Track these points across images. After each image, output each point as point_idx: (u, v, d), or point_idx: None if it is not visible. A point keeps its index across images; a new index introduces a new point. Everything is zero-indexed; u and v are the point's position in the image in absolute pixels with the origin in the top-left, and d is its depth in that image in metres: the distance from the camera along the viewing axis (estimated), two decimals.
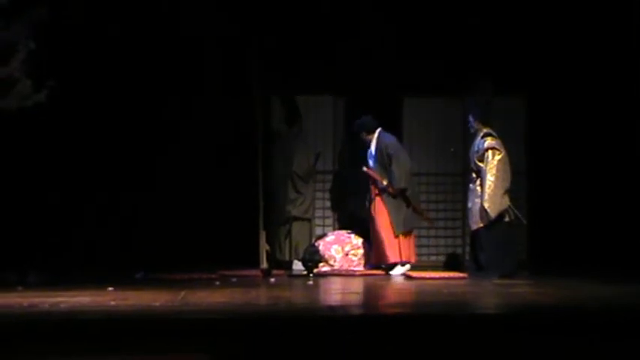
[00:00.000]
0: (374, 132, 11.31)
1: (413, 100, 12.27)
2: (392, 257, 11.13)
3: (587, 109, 11.73)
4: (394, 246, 11.10)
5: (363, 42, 12.03)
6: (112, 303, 7.51)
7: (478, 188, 10.60)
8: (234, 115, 11.97)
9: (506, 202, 10.53)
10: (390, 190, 11.13)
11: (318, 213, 12.40)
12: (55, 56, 10.54)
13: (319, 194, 12.40)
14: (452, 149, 11.72)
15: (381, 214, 11.20)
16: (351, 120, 12.16)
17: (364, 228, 11.70)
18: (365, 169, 11.28)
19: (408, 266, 11.11)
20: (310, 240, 11.82)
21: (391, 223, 11.12)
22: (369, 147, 11.37)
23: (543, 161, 11.92)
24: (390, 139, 11.31)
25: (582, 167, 11.72)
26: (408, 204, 11.16)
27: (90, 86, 11.44)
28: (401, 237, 11.12)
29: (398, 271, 11.04)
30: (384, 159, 11.17)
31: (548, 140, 11.94)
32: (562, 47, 11.82)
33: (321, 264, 11.27)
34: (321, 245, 11.43)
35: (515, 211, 10.61)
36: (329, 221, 12.42)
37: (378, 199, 11.24)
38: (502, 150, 10.59)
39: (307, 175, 11.97)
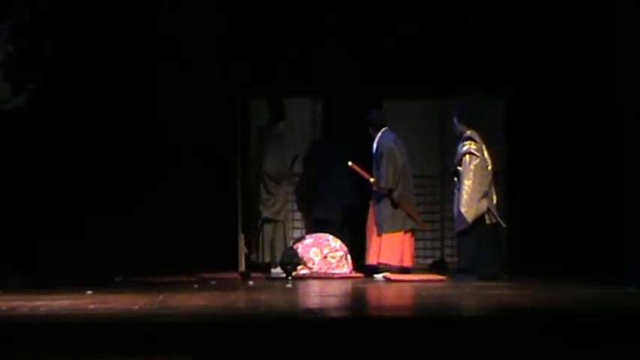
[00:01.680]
0: (379, 129, 11.28)
1: (391, 102, 12.28)
2: (370, 258, 11.14)
3: (567, 110, 11.78)
4: (375, 247, 11.09)
5: (342, 45, 12.06)
6: (92, 306, 7.51)
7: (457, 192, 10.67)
8: (215, 118, 11.97)
9: (483, 205, 10.57)
10: (376, 187, 11.14)
11: (297, 215, 12.46)
12: (34, 59, 10.52)
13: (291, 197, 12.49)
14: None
15: (371, 213, 11.23)
16: (330, 123, 12.24)
17: (336, 230, 11.72)
18: (350, 163, 11.25)
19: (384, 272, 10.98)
20: (285, 242, 11.79)
21: (376, 223, 11.13)
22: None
23: (522, 162, 11.95)
24: (388, 139, 11.17)
25: (562, 168, 11.77)
26: (396, 205, 11.13)
27: (70, 88, 11.41)
28: (385, 238, 11.03)
29: (380, 275, 10.96)
30: (379, 158, 11.12)
31: (527, 141, 11.97)
32: (541, 49, 11.86)
33: (299, 267, 11.28)
34: (300, 248, 11.42)
35: (495, 215, 10.66)
36: (304, 223, 12.49)
37: (372, 200, 11.28)
38: (480, 155, 10.64)
39: (279, 177, 11.88)
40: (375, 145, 11.18)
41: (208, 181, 11.72)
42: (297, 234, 12.27)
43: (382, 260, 11.00)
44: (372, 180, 11.16)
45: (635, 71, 10.38)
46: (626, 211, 10.47)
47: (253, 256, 11.86)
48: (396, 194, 11.03)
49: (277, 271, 11.48)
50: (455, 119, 10.94)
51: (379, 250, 11.00)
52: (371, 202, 11.28)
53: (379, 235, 11.03)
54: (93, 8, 11.32)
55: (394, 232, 11.03)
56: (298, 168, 12.33)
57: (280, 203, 11.81)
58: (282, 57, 12.09)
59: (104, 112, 11.60)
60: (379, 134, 11.19)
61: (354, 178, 11.68)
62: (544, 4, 11.71)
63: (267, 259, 11.68)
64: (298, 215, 12.45)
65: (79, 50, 11.39)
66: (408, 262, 11.13)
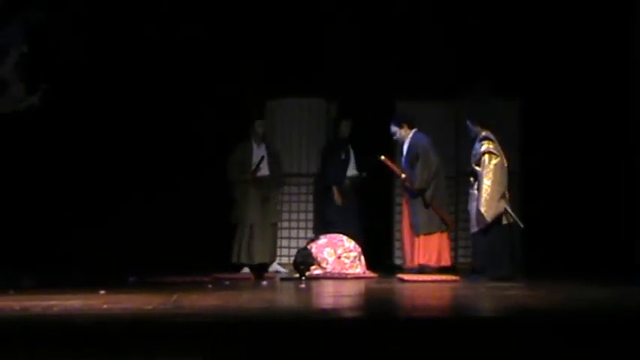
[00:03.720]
0: (411, 128, 11.22)
1: (404, 103, 12.28)
2: (408, 261, 11.13)
3: (581, 111, 11.76)
4: (413, 249, 11.06)
5: (355, 46, 12.06)
6: (105, 306, 7.49)
7: (476, 192, 10.60)
8: (227, 118, 11.98)
9: (502, 205, 10.50)
10: (407, 184, 11.11)
11: (303, 216, 12.58)
12: (48, 59, 10.53)
13: (296, 197, 12.57)
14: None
15: (405, 214, 11.20)
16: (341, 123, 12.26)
17: (348, 232, 11.70)
18: (383, 157, 11.23)
19: (431, 270, 10.98)
20: (239, 244, 11.76)
21: (411, 224, 11.10)
22: (401, 145, 11.33)
23: (537, 163, 11.92)
24: (422, 140, 11.17)
25: (575, 169, 11.75)
26: (427, 205, 11.05)
27: (83, 88, 11.44)
28: (422, 239, 11.01)
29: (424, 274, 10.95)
30: (413, 158, 11.10)
31: (541, 142, 11.95)
32: (555, 49, 11.86)
33: (313, 267, 11.25)
34: (314, 248, 11.40)
35: (513, 215, 10.60)
36: (303, 224, 12.66)
37: (404, 199, 11.25)
38: (499, 154, 10.58)
39: (236, 180, 11.82)
40: (406, 146, 11.16)
41: (223, 180, 11.73)
42: (292, 234, 12.52)
43: (422, 262, 10.97)
44: (403, 176, 11.16)
45: None
46: (638, 211, 10.42)
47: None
48: (428, 194, 10.98)
49: (245, 271, 11.57)
50: (468, 122, 10.88)
51: (418, 252, 10.96)
52: (404, 202, 11.28)
53: (417, 236, 10.99)
54: (106, 9, 11.34)
55: (431, 233, 11.01)
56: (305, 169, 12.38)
57: (240, 207, 11.72)
58: (295, 57, 12.10)
59: (116, 112, 11.63)
60: (410, 134, 11.16)
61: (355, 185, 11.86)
62: (558, 4, 11.69)
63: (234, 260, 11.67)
64: (294, 216, 12.59)
65: (91, 50, 11.42)
66: (445, 262, 11.11)
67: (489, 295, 8.95)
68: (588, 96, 11.72)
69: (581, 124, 11.75)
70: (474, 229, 10.67)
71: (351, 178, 12.14)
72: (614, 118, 11.43)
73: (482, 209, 10.43)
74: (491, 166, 10.51)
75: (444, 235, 11.13)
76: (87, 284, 9.32)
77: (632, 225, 10.87)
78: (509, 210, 10.58)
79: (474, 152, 10.69)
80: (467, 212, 11.01)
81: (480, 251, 10.67)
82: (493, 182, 10.47)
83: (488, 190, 10.46)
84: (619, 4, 11.30)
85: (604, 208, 11.51)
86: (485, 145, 10.59)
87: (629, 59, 10.67)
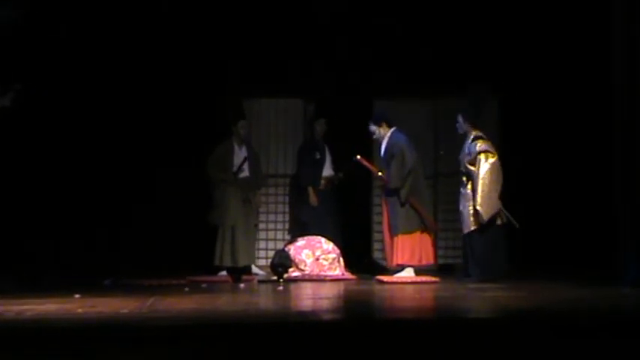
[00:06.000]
0: (389, 127, 11.13)
1: (382, 102, 12.24)
2: (389, 260, 11.04)
3: (561, 110, 11.76)
4: (392, 249, 10.96)
5: (333, 45, 12.04)
6: (80, 310, 7.43)
7: (469, 192, 10.50)
8: (206, 119, 11.93)
9: (498, 205, 10.43)
10: (384, 182, 11.06)
11: (280, 217, 12.57)
12: (21, 59, 10.44)
13: (272, 198, 12.59)
14: (441, 152, 11.77)
15: (384, 214, 11.14)
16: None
17: (324, 233, 11.66)
18: (358, 157, 11.17)
19: (410, 270, 10.87)
20: (222, 246, 11.66)
21: (389, 224, 11.04)
22: (379, 144, 11.25)
23: (516, 163, 11.87)
24: (401, 138, 11.05)
25: (556, 169, 11.74)
26: (403, 204, 10.94)
27: (57, 89, 11.33)
28: (401, 239, 10.87)
29: (404, 274, 10.85)
30: (390, 158, 10.99)
31: (521, 142, 11.92)
32: (534, 47, 11.85)
33: (291, 269, 11.18)
34: (292, 250, 11.34)
35: (508, 215, 10.52)
36: (280, 225, 12.67)
37: (383, 198, 11.22)
38: (495, 152, 10.51)
39: (214, 180, 11.75)
40: (384, 145, 11.08)
41: (200, 182, 11.65)
42: (268, 235, 12.51)
43: (400, 262, 10.86)
44: (379, 174, 11.10)
45: (626, 66, 10.31)
46: (620, 211, 10.39)
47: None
48: (403, 193, 10.90)
49: (222, 273, 11.47)
50: (460, 118, 10.77)
51: (396, 252, 10.88)
52: (383, 202, 11.23)
53: (395, 235, 10.91)
54: (81, 6, 11.26)
55: (409, 232, 10.89)
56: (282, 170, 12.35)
57: (217, 208, 11.65)
58: (273, 57, 12.07)
59: (92, 114, 11.55)
60: (389, 133, 11.10)
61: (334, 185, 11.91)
62: (535, 3, 11.69)
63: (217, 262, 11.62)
64: (284, 217, 12.58)
65: (66, 50, 11.33)
66: (428, 260, 10.99)
67: (470, 296, 8.94)
68: (569, 94, 11.70)
69: (561, 123, 11.74)
70: (468, 229, 10.55)
71: (327, 178, 12.06)
72: (595, 116, 11.38)
73: (480, 208, 10.32)
74: (489, 165, 10.42)
75: (426, 234, 11.00)
76: (62, 288, 9.24)
77: (613, 224, 10.83)
78: (504, 210, 10.49)
79: (466, 151, 10.58)
80: (450, 212, 10.94)
81: (475, 252, 10.50)
82: (490, 181, 10.39)
83: (485, 189, 10.36)
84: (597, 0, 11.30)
85: (587, 207, 11.47)
86: (480, 144, 10.50)
87: (610, 57, 10.63)
